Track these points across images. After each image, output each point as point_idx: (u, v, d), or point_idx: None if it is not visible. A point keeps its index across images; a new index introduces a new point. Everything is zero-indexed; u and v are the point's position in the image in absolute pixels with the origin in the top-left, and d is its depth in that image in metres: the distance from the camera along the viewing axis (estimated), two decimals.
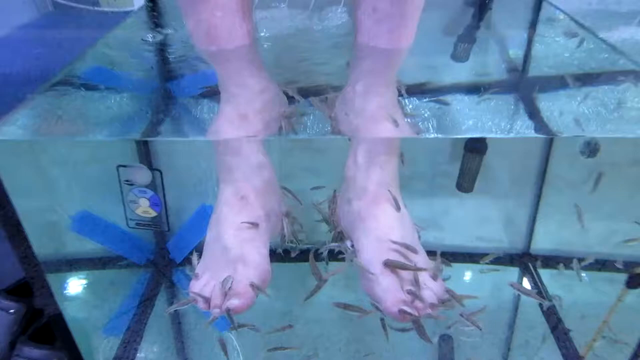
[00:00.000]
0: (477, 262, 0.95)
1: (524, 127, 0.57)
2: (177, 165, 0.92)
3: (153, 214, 0.65)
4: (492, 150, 0.89)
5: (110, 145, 0.67)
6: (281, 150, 0.91)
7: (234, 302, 0.58)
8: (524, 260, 1.07)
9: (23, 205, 0.63)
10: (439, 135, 0.55)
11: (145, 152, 0.77)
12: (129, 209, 0.64)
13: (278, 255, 0.97)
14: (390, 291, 0.59)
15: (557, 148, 0.93)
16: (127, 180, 0.61)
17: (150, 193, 0.62)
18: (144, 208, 0.64)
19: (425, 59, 0.67)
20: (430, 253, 0.63)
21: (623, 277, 0.89)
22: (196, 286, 0.62)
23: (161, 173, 0.60)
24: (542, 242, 1.05)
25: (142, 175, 0.59)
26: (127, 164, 0.59)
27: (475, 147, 0.87)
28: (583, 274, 0.76)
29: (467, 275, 0.97)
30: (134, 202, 0.63)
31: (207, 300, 0.60)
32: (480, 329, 0.59)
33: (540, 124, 0.57)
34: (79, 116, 0.61)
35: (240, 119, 0.60)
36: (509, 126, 0.57)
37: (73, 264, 0.98)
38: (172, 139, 0.67)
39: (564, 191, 0.98)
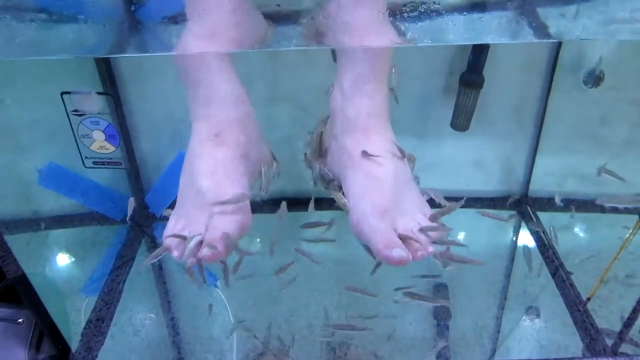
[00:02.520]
0: (473, 206, 0.92)
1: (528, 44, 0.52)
2: (152, 113, 0.88)
3: (111, 148, 0.59)
4: (489, 85, 0.85)
5: (71, 80, 0.60)
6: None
7: (208, 251, 0.54)
8: (522, 203, 1.05)
9: None
10: (435, 44, 0.50)
11: (114, 93, 0.71)
12: (82, 145, 0.57)
13: (267, 204, 0.93)
14: (381, 232, 0.55)
15: (558, 81, 0.89)
16: (74, 110, 0.53)
17: (104, 123, 0.55)
18: (99, 142, 0.58)
19: None
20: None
21: (623, 219, 0.86)
22: (170, 234, 0.59)
23: (113, 98, 0.53)
24: (541, 184, 1.02)
25: (91, 101, 0.52)
26: (72, 90, 0.52)
27: (471, 81, 0.83)
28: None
29: (462, 221, 0.94)
30: (87, 136, 0.56)
31: (180, 249, 0.56)
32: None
33: (544, 35, 0.53)
34: (32, 44, 0.55)
35: (209, 37, 0.55)
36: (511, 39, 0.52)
37: (52, 223, 0.96)
38: (136, 54, 0.60)
39: (565, 129, 0.95)
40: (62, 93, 0.52)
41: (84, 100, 0.52)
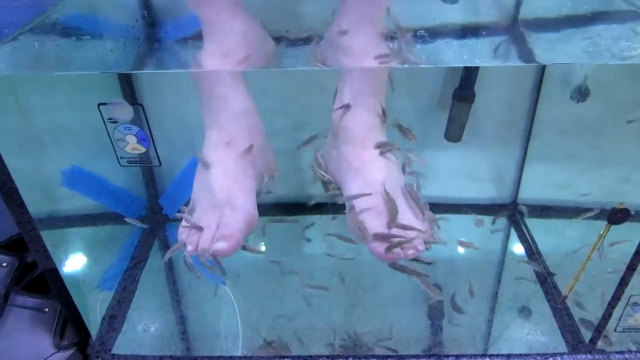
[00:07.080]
0: (464, 212, 0.96)
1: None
2: (167, 122, 0.92)
3: (142, 149, 0.66)
4: (480, 99, 0.88)
5: (94, 93, 0.67)
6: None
7: (220, 245, 0.59)
8: (511, 209, 1.07)
9: (14, 160, 0.63)
10: (429, 65, 0.56)
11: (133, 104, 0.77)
12: (118, 147, 0.65)
13: (272, 210, 0.97)
14: (375, 231, 0.60)
15: (544, 96, 0.93)
16: (110, 118, 0.61)
17: (135, 129, 0.63)
18: (132, 145, 0.65)
19: (414, 3, 0.67)
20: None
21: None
22: (184, 231, 0.64)
23: (142, 107, 0.60)
24: (530, 192, 1.05)
25: (124, 111, 0.60)
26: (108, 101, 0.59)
27: (463, 96, 0.87)
28: None
29: (455, 227, 0.98)
30: (122, 140, 0.64)
31: (194, 244, 0.61)
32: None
33: (530, 60, 0.58)
34: (59, 61, 0.61)
35: (223, 57, 0.60)
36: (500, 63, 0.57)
37: (68, 221, 0.97)
38: (156, 71, 0.67)
39: (551, 140, 0.98)
40: (99, 104, 0.59)
41: (118, 109, 0.59)
